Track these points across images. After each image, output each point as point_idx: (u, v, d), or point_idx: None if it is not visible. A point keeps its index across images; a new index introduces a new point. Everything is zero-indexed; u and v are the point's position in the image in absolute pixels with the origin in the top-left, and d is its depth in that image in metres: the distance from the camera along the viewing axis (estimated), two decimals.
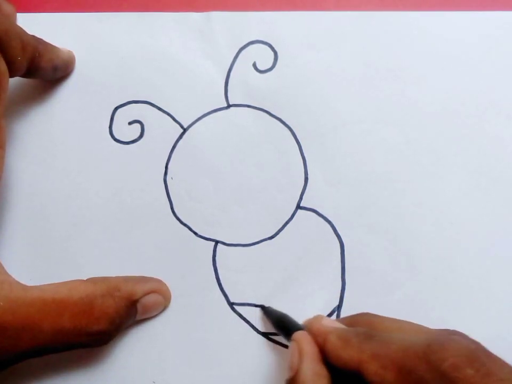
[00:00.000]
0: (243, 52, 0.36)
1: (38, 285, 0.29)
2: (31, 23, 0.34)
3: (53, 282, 0.30)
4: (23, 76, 0.32)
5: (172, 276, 0.33)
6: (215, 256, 0.34)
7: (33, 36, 0.32)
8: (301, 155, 0.35)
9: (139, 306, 0.31)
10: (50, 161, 0.35)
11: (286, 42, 0.36)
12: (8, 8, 0.33)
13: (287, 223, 0.34)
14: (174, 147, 0.35)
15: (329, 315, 0.32)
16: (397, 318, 0.27)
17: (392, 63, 0.35)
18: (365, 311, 0.29)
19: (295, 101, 0.35)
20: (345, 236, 0.34)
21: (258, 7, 0.37)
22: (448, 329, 0.24)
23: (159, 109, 0.36)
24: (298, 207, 0.34)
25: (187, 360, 0.33)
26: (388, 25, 0.36)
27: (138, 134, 0.35)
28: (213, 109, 0.35)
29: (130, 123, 0.36)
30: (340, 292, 0.33)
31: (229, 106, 0.36)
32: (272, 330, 0.32)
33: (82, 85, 0.36)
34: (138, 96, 0.36)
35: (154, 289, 0.32)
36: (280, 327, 0.30)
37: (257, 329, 0.33)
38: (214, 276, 0.33)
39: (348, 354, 0.24)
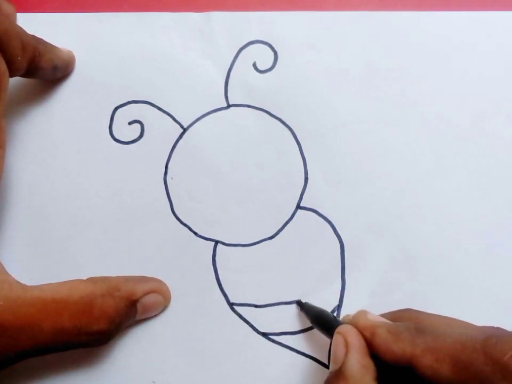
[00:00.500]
0: (243, 51, 0.36)
1: (38, 284, 0.29)
2: (31, 23, 0.34)
3: (53, 282, 0.30)
4: (23, 75, 0.32)
5: (172, 276, 0.33)
6: (215, 256, 0.34)
7: (33, 35, 0.32)
8: (301, 155, 0.35)
9: (139, 306, 0.31)
10: (50, 161, 0.35)
11: (286, 42, 0.36)
12: (8, 8, 0.33)
13: (287, 223, 0.34)
14: (174, 147, 0.35)
15: None
16: None
17: (392, 63, 0.35)
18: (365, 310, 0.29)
19: (295, 101, 0.35)
20: (345, 235, 0.34)
21: (258, 7, 0.37)
22: (499, 327, 0.24)
23: (159, 109, 0.36)
24: (298, 207, 0.34)
25: (187, 360, 0.33)
26: (388, 25, 0.36)
27: (138, 134, 0.35)
28: (213, 109, 0.35)
29: (130, 123, 0.36)
30: (340, 292, 0.33)
31: (229, 106, 0.36)
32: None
33: (82, 85, 0.36)
34: (138, 96, 0.36)
35: (154, 289, 0.32)
36: (318, 322, 0.30)
37: (257, 329, 0.33)
38: (214, 276, 0.33)
39: (399, 348, 0.24)
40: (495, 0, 0.36)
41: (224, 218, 0.34)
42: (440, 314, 0.27)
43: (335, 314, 0.32)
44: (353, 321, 0.27)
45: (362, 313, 0.27)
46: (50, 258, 0.34)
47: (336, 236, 0.33)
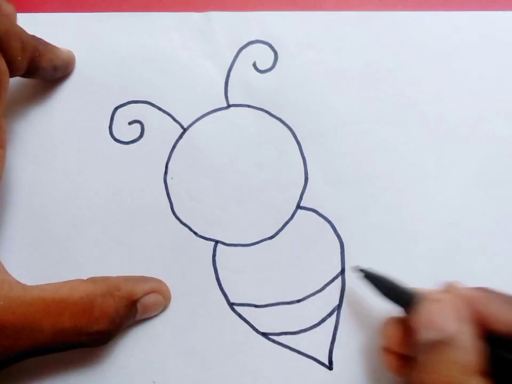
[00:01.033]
0: (243, 51, 0.36)
1: (38, 284, 0.29)
2: (31, 23, 0.34)
3: (53, 282, 0.30)
4: (23, 75, 0.32)
5: (172, 275, 0.33)
6: (215, 256, 0.34)
7: (33, 35, 0.32)
8: (301, 155, 0.35)
9: (139, 306, 0.31)
10: (50, 161, 0.35)
11: (286, 42, 0.36)
12: (8, 8, 0.33)
13: (287, 223, 0.34)
14: (174, 147, 0.35)
15: (329, 315, 0.32)
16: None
17: (392, 63, 0.35)
18: (366, 310, 0.29)
19: (295, 101, 0.35)
20: (345, 236, 0.34)
21: (258, 7, 0.37)
22: None
23: (159, 108, 0.36)
24: (298, 207, 0.34)
25: (187, 360, 0.33)
26: (388, 25, 0.36)
27: (138, 134, 0.35)
28: (213, 108, 0.35)
29: (130, 123, 0.36)
30: (339, 292, 0.33)
31: (229, 106, 0.36)
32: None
33: (82, 85, 0.36)
34: (138, 96, 0.36)
35: (155, 289, 0.32)
36: (389, 293, 0.29)
37: (257, 329, 0.33)
38: (214, 275, 0.33)
39: None
40: (495, 0, 0.36)
41: (224, 218, 0.34)
42: None
43: (335, 314, 0.32)
44: (450, 290, 0.26)
45: (457, 284, 0.26)
46: (50, 258, 0.34)
47: (336, 236, 0.33)
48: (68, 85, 0.36)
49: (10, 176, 0.35)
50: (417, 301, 0.26)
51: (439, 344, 0.24)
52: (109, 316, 0.29)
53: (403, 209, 0.34)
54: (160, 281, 0.33)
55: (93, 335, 0.29)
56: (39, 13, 0.37)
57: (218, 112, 0.35)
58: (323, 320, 0.32)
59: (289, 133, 0.35)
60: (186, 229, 0.34)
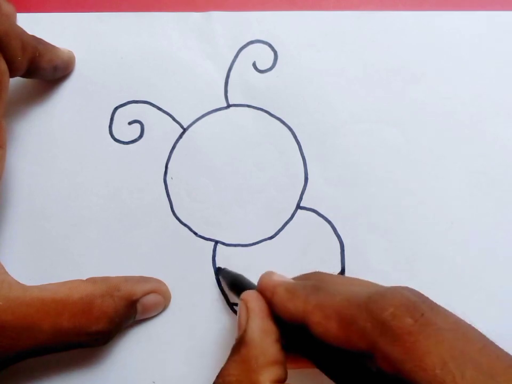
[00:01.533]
0: (243, 51, 0.36)
1: (38, 284, 0.29)
2: (31, 23, 0.34)
3: (52, 282, 0.30)
4: (23, 75, 0.32)
5: (172, 276, 0.33)
6: (215, 256, 0.34)
7: (33, 36, 0.32)
8: (301, 155, 0.35)
9: (139, 306, 0.31)
10: (50, 161, 0.35)
11: (286, 42, 0.36)
12: (8, 8, 0.33)
13: (287, 223, 0.34)
14: (174, 147, 0.35)
15: None
16: None
17: (392, 63, 0.35)
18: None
19: (295, 101, 0.35)
20: (345, 236, 0.34)
21: (258, 7, 0.37)
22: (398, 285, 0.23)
23: (159, 109, 0.36)
24: (298, 207, 0.34)
25: (187, 360, 0.33)
26: (388, 25, 0.36)
27: (138, 134, 0.35)
28: (212, 108, 0.35)
29: (130, 123, 0.36)
30: None
31: (228, 106, 0.36)
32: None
33: (82, 85, 0.36)
34: (138, 96, 0.36)
35: (154, 289, 0.32)
36: (234, 288, 0.30)
37: None
38: (214, 276, 0.33)
39: (293, 305, 0.24)
40: (495, 0, 0.36)
41: (224, 218, 0.34)
42: (347, 276, 0.27)
43: None
44: (258, 283, 0.27)
45: (267, 274, 0.27)
46: (50, 258, 0.34)
47: (336, 236, 0.33)
48: (68, 85, 0.36)
49: (10, 176, 0.35)
50: None
51: (237, 343, 0.25)
52: (109, 316, 0.29)
53: (403, 209, 0.34)
54: (160, 282, 0.33)
55: (93, 335, 0.29)
56: (39, 13, 0.37)
57: (218, 112, 0.35)
58: None
59: (289, 133, 0.35)
60: (186, 229, 0.34)
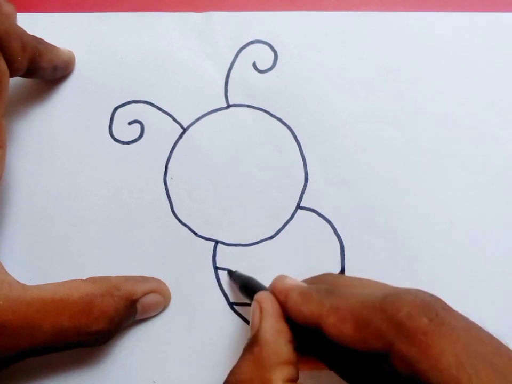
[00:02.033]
0: (243, 51, 0.36)
1: (38, 284, 0.29)
2: (31, 23, 0.34)
3: (52, 282, 0.30)
4: (23, 75, 0.32)
5: (172, 275, 0.33)
6: (215, 256, 0.34)
7: (33, 36, 0.32)
8: (301, 155, 0.35)
9: (139, 306, 0.31)
10: (50, 161, 0.35)
11: (286, 42, 0.36)
12: (8, 8, 0.33)
13: (287, 223, 0.34)
14: (174, 147, 0.35)
15: None
16: None
17: (392, 63, 0.35)
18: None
19: (295, 101, 0.35)
20: (345, 236, 0.34)
21: (258, 7, 0.37)
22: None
23: (159, 109, 0.36)
24: (298, 207, 0.34)
25: (187, 360, 0.33)
26: (388, 26, 0.36)
27: (138, 134, 0.35)
28: (212, 109, 0.35)
29: (130, 123, 0.36)
30: None
31: (228, 106, 0.36)
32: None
33: (82, 85, 0.36)
34: (138, 96, 0.36)
35: (154, 289, 0.32)
36: (245, 290, 0.30)
37: None
38: (214, 275, 0.33)
39: (307, 309, 0.24)
40: (495, 1, 0.36)
41: (224, 218, 0.34)
42: (359, 277, 0.27)
43: None
44: (271, 286, 0.27)
45: (280, 277, 0.27)
46: (50, 258, 0.34)
47: (336, 236, 0.33)
48: (68, 85, 0.36)
49: (10, 176, 0.35)
50: None
51: (250, 343, 0.25)
52: (109, 315, 0.29)
53: (403, 209, 0.34)
54: (160, 281, 0.33)
55: (93, 335, 0.29)
56: (39, 13, 0.37)
57: (218, 112, 0.35)
58: None
59: (289, 133, 0.35)
60: (186, 229, 0.34)
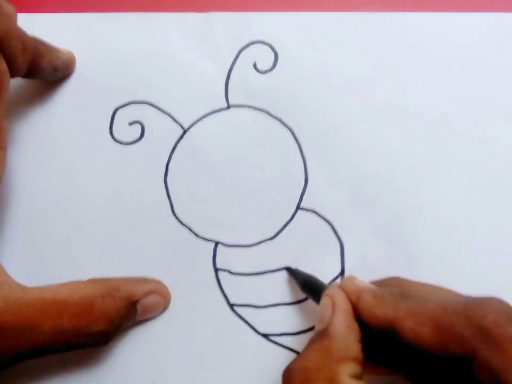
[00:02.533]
0: (243, 52, 0.36)
1: (38, 285, 0.29)
2: (31, 23, 0.34)
3: (53, 283, 0.30)
4: (24, 76, 0.32)
5: (172, 276, 0.34)
6: (215, 256, 0.34)
7: (33, 36, 0.32)
8: (301, 156, 0.35)
9: (139, 307, 0.31)
10: (50, 162, 0.35)
11: (286, 42, 0.36)
12: (8, 8, 0.33)
13: (287, 223, 0.34)
14: (174, 148, 0.35)
15: None
16: None
17: (392, 63, 0.35)
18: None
19: (295, 101, 0.35)
20: (345, 236, 0.34)
21: (258, 7, 0.37)
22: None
23: (159, 109, 0.36)
24: (299, 207, 0.34)
25: (187, 360, 0.33)
26: (388, 26, 0.36)
27: (138, 134, 0.35)
28: (213, 109, 0.35)
29: (130, 124, 0.36)
30: None
31: (229, 106, 0.36)
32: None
33: (83, 85, 0.36)
34: (139, 96, 0.36)
35: (154, 290, 0.32)
36: (307, 288, 0.31)
37: (257, 330, 0.33)
38: (214, 276, 0.34)
39: (382, 311, 0.24)
40: (494, 1, 0.36)
41: (225, 219, 0.34)
42: (425, 282, 0.27)
43: None
44: (341, 286, 0.27)
45: (350, 278, 0.27)
46: (50, 259, 0.34)
47: (336, 236, 0.34)
48: (68, 86, 0.36)
49: (10, 177, 0.35)
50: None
51: (319, 335, 0.25)
52: (109, 316, 0.29)
53: (403, 209, 0.34)
54: (160, 282, 0.33)
55: (93, 336, 0.29)
56: (39, 13, 0.37)
57: (219, 113, 0.35)
58: None
59: (289, 133, 0.35)
60: (187, 230, 0.34)
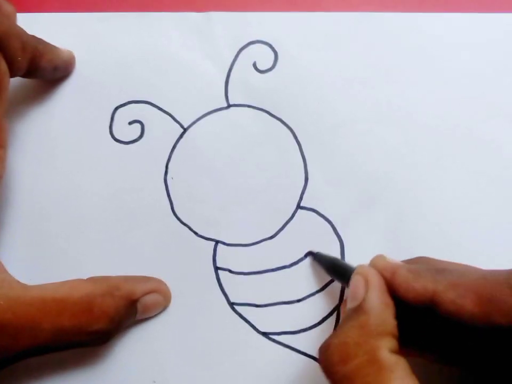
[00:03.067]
0: (243, 52, 0.36)
1: (38, 284, 0.29)
2: (31, 23, 0.34)
3: (53, 282, 0.30)
4: (24, 76, 0.32)
5: (172, 275, 0.33)
6: (215, 256, 0.34)
7: (33, 36, 0.32)
8: (301, 155, 0.35)
9: (139, 305, 0.31)
10: (50, 161, 0.35)
11: (286, 42, 0.36)
12: (8, 8, 0.33)
13: (287, 223, 0.34)
14: (174, 147, 0.35)
15: (330, 314, 0.32)
16: None
17: (392, 63, 0.35)
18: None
19: (295, 101, 0.35)
20: (345, 236, 0.34)
21: (258, 7, 0.37)
22: None
23: (159, 108, 0.36)
24: (299, 207, 0.34)
25: (187, 360, 0.33)
26: (388, 26, 0.36)
27: (138, 134, 0.35)
28: (213, 108, 0.35)
29: (130, 123, 0.36)
30: (339, 291, 0.33)
31: (229, 106, 0.36)
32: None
33: (83, 85, 0.36)
34: (138, 96, 0.36)
35: (155, 288, 0.32)
36: (334, 270, 0.31)
37: (257, 329, 0.33)
38: (214, 275, 0.33)
39: (421, 285, 0.24)
40: (494, 2, 0.36)
41: (225, 218, 0.34)
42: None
43: (335, 313, 0.32)
44: (371, 264, 0.27)
45: (380, 256, 0.27)
46: (50, 258, 0.34)
47: (336, 236, 0.33)
48: (68, 85, 0.36)
49: (10, 176, 0.35)
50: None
51: (354, 311, 0.25)
52: (109, 315, 0.29)
53: (403, 209, 0.34)
54: (160, 281, 0.33)
55: (93, 335, 0.29)
56: (39, 13, 0.37)
57: (219, 112, 0.35)
58: (323, 319, 0.32)
59: (289, 133, 0.35)
60: (187, 229, 0.34)
